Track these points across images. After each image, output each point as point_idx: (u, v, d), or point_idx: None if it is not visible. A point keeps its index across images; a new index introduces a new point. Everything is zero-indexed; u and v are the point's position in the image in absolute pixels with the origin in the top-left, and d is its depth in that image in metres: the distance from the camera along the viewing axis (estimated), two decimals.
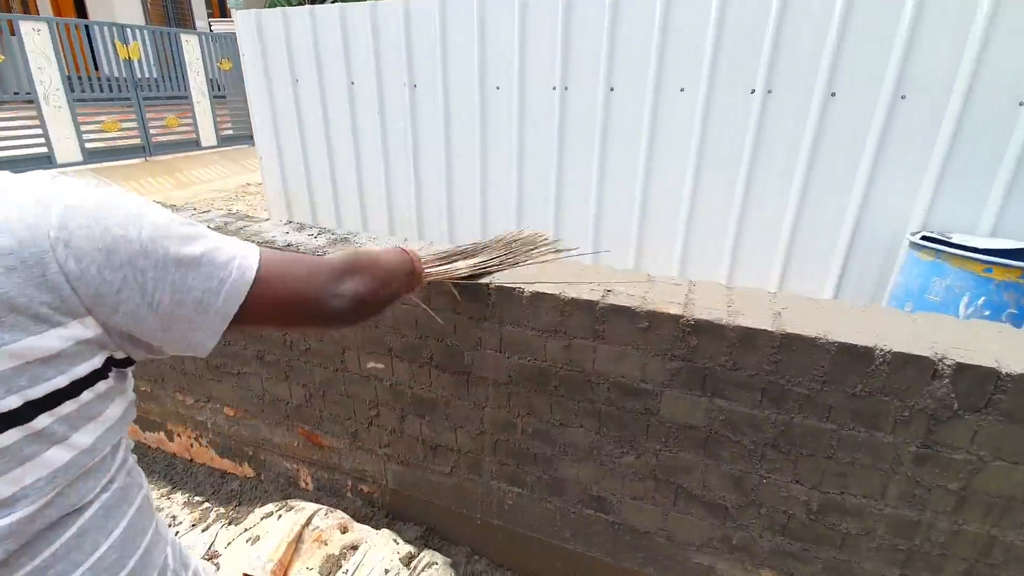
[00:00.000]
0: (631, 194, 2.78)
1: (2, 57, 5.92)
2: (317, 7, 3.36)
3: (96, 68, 6.97)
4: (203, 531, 1.80)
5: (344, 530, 1.66)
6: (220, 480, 2.02)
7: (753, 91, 2.44)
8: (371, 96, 3.36)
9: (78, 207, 0.48)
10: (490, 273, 1.23)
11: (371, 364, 1.56)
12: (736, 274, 2.67)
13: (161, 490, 1.99)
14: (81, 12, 10.37)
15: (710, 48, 2.43)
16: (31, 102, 6.14)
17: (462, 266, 1.18)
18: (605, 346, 1.23)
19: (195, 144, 7.86)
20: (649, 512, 1.36)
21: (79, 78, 6.65)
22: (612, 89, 2.65)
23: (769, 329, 1.09)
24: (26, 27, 5.94)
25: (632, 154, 2.71)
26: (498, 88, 2.95)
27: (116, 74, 6.97)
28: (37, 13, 10.26)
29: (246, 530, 1.73)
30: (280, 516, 1.72)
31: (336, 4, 3.30)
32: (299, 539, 1.62)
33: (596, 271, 1.38)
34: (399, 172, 3.46)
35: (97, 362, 0.51)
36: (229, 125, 8.47)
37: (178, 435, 2.09)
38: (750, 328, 1.10)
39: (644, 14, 2.49)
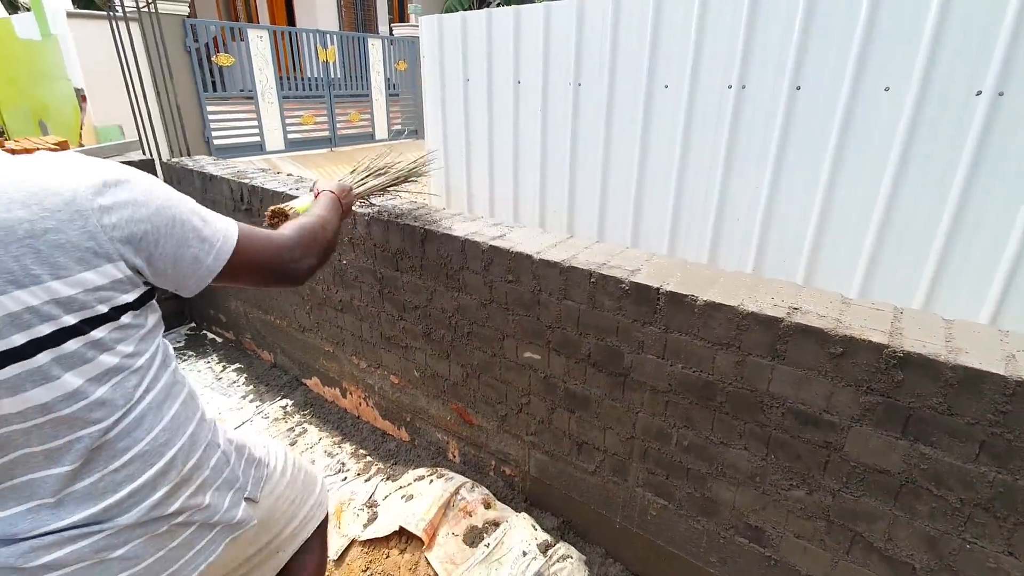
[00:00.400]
0: (808, 204, 2.53)
1: (233, 60, 7.14)
2: (495, 10, 3.55)
3: (298, 69, 8.10)
4: (366, 481, 2.02)
5: (488, 506, 1.76)
6: (381, 439, 2.26)
7: (979, 93, 2.07)
8: (535, 94, 3.47)
9: (116, 177, 0.69)
10: (391, 186, 1.71)
11: (528, 354, 1.62)
12: (935, 301, 2.30)
13: (333, 439, 2.28)
14: (291, 21, 12.12)
15: (927, 41, 2.11)
16: (250, 98, 7.33)
17: (372, 183, 1.60)
18: (785, 368, 1.15)
19: (370, 137, 8.78)
20: (815, 555, 1.24)
21: (286, 78, 7.78)
22: (799, 88, 2.42)
23: (1001, 373, 0.93)
24: (252, 35, 7.09)
25: (815, 160, 2.46)
26: (667, 87, 2.86)
27: (314, 74, 8.03)
28: (258, 22, 12.22)
29: (401, 487, 1.91)
30: (432, 481, 1.87)
31: (511, 7, 3.45)
32: (448, 505, 1.76)
33: (777, 285, 1.28)
34: (555, 170, 3.53)
35: (130, 297, 0.71)
36: (399, 120, 9.32)
37: (350, 393, 2.38)
38: (976, 370, 0.95)
39: (848, 3, 2.23)
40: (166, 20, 5.65)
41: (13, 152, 4.61)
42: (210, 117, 6.73)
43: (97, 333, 0.68)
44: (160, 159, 3.01)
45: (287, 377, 2.70)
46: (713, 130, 2.75)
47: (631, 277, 1.34)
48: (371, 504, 1.90)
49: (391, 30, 11.82)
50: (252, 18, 12.56)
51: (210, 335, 3.17)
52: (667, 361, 1.32)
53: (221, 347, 3.03)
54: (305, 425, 2.37)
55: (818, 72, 2.38)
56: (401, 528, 1.71)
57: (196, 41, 6.32)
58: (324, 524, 1.22)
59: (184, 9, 5.82)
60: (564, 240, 1.60)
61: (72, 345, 0.66)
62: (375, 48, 8.49)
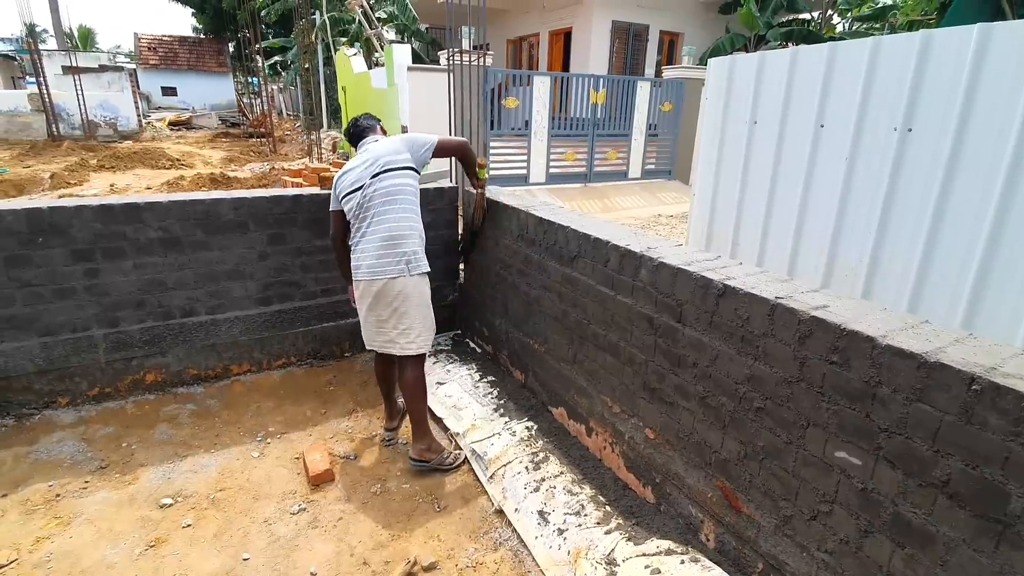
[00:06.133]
0: None
1: (518, 102, 8.05)
2: (802, 47, 3.22)
3: (565, 110, 8.73)
4: (605, 533, 1.93)
5: None
6: (622, 491, 2.15)
7: None
8: (843, 139, 3.01)
9: (411, 136, 2.43)
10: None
11: (842, 455, 1.32)
12: None
13: (574, 476, 2.25)
14: (565, 67, 13.24)
15: None
16: (523, 136, 8.16)
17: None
18: None
19: (623, 175, 8.95)
20: None
21: (555, 118, 8.46)
22: None
23: None
24: (537, 80, 7.90)
25: None
26: None
27: (581, 115, 8.56)
28: (538, 68, 13.65)
29: (645, 555, 1.76)
30: (683, 562, 1.68)
31: (825, 44, 3.08)
32: None
33: None
34: (856, 224, 3.00)
35: (410, 164, 2.35)
36: (653, 160, 9.31)
37: (596, 434, 2.33)
38: None
39: None
40: (475, 70, 6.68)
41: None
42: (490, 151, 7.69)
43: (402, 169, 2.31)
44: (463, 186, 3.49)
45: (535, 400, 2.80)
46: None
47: None
48: (610, 561, 1.79)
49: (657, 72, 11.98)
50: (533, 66, 14.11)
51: (472, 344, 3.51)
52: None
53: (480, 358, 3.33)
54: (548, 454, 2.40)
55: None
56: None
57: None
58: (413, 359, 2.36)
59: (490, 61, 6.79)
60: (918, 324, 1.27)
61: (400, 170, 2.29)
62: (643, 90, 8.67)
